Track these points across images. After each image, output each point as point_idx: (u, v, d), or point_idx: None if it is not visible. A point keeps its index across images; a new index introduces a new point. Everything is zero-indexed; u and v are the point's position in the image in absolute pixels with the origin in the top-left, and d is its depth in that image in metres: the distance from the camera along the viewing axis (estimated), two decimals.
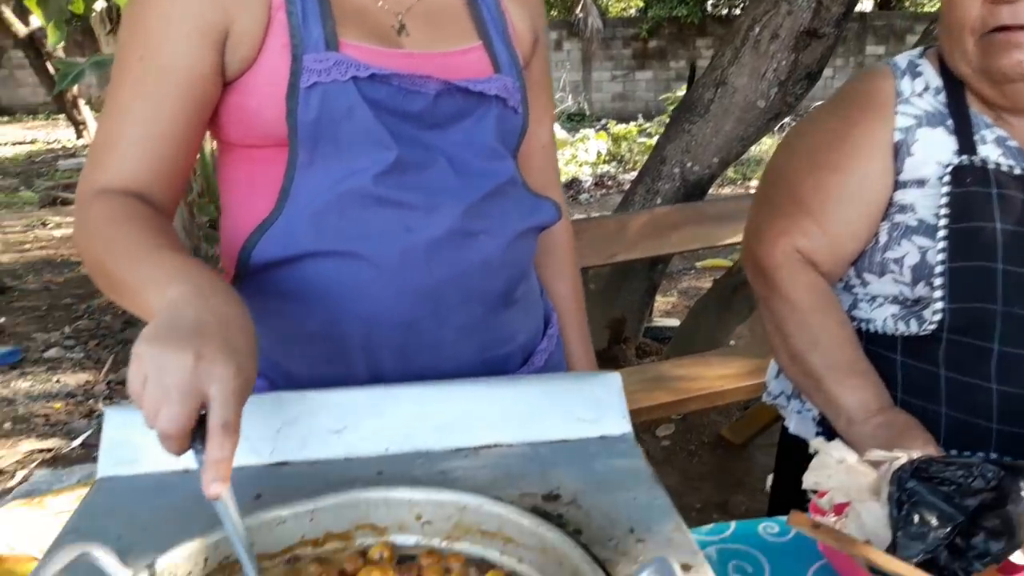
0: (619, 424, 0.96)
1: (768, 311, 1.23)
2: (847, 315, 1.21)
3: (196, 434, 0.71)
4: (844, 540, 0.83)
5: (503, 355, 1.10)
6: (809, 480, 0.94)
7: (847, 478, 0.92)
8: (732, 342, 3.61)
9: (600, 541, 0.79)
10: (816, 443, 0.97)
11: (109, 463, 0.88)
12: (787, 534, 1.04)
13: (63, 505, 2.44)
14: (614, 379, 0.98)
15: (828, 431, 1.27)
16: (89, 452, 3.21)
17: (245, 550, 0.71)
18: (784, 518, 1.05)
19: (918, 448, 1.02)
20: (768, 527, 1.05)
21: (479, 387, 0.97)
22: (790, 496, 1.45)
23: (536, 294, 1.19)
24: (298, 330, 1.03)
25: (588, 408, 0.96)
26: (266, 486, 0.86)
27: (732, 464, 3.08)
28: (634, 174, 6.24)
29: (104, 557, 0.70)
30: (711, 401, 2.40)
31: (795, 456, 1.39)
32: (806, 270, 1.19)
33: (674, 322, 4.09)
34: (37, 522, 2.37)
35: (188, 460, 0.88)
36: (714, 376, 2.46)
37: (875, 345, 1.20)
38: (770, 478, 2.97)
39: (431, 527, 0.84)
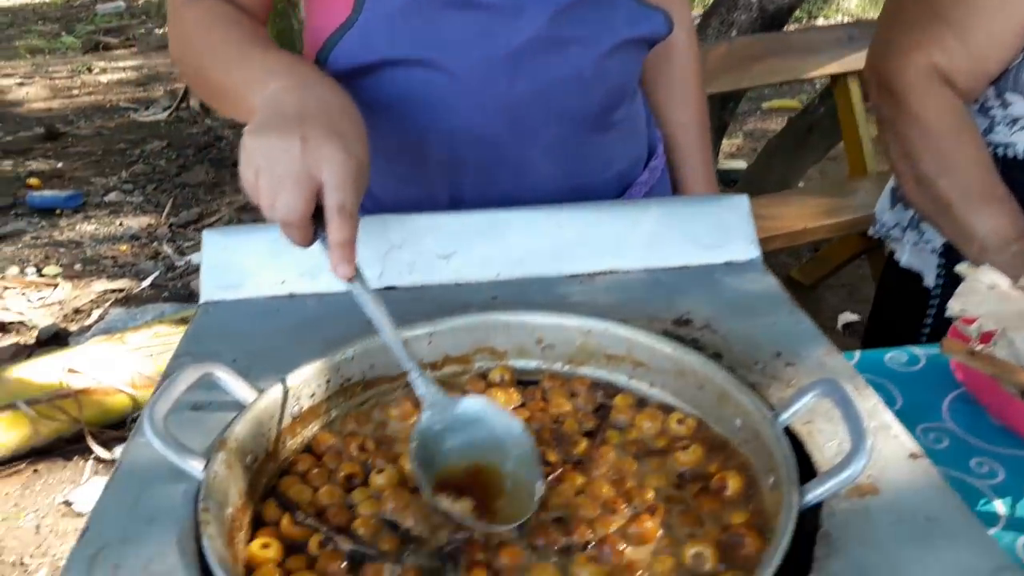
0: (747, 249, 0.89)
1: (894, 134, 1.13)
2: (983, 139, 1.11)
3: (320, 224, 0.69)
4: (1004, 368, 0.77)
5: (595, 184, 1.02)
6: (955, 307, 0.87)
7: (999, 304, 0.85)
8: (801, 184, 3.48)
9: (745, 365, 0.73)
10: (963, 268, 0.89)
11: (212, 287, 0.84)
12: (916, 363, 0.98)
13: (141, 341, 2.49)
14: (741, 202, 0.90)
15: (950, 262, 1.19)
16: (158, 292, 3.26)
17: (388, 331, 0.69)
18: (910, 347, 1.00)
19: None
20: (895, 356, 0.99)
21: (595, 211, 0.90)
22: (890, 330, 1.39)
23: (640, 120, 1.09)
24: (378, 146, 0.96)
25: (713, 233, 0.89)
26: None
27: (802, 305, 3.02)
28: (697, 12, 5.91)
29: (227, 377, 0.67)
30: (792, 240, 2.31)
31: (903, 290, 1.32)
32: (941, 88, 1.08)
33: (740, 164, 3.95)
34: (119, 357, 2.43)
35: (293, 285, 0.85)
36: (794, 215, 2.36)
37: (1013, 171, 1.10)
38: (842, 317, 2.93)
39: (552, 351, 0.80)
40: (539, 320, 0.79)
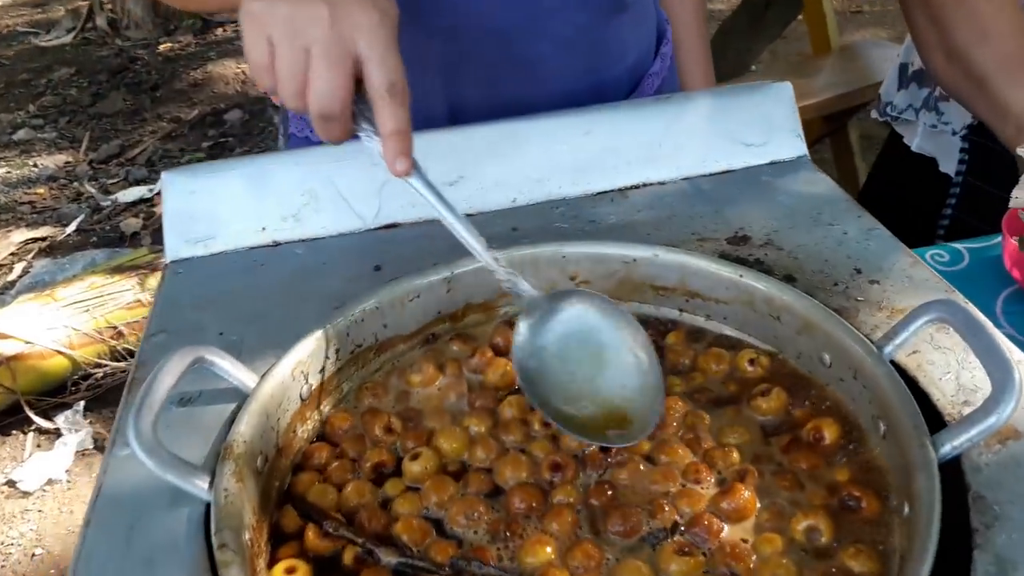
0: (792, 145, 0.78)
1: (922, 1, 1.01)
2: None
3: (358, 111, 0.56)
4: None
5: (610, 79, 0.90)
6: (1021, 197, 0.79)
7: None
8: (754, 68, 3.36)
9: (823, 287, 0.63)
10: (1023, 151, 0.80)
11: (178, 242, 0.70)
12: (959, 261, 0.90)
13: (74, 295, 2.30)
14: (784, 90, 0.79)
15: (975, 145, 1.10)
16: (86, 238, 3.03)
17: (461, 225, 0.58)
18: (950, 244, 0.91)
19: None
20: (937, 255, 0.91)
21: (620, 113, 0.78)
22: (888, 221, 1.30)
23: (648, 1, 0.95)
24: None
25: (754, 128, 0.78)
26: (383, 256, 0.69)
27: None
28: None
29: (221, 361, 0.54)
30: None
31: (911, 178, 1.23)
32: None
33: None
34: (51, 315, 2.24)
35: (276, 231, 0.71)
36: None
37: None
38: None
39: (590, 288, 0.69)
40: (572, 251, 0.68)
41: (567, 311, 0.59)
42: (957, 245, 0.91)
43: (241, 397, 0.55)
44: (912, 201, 1.24)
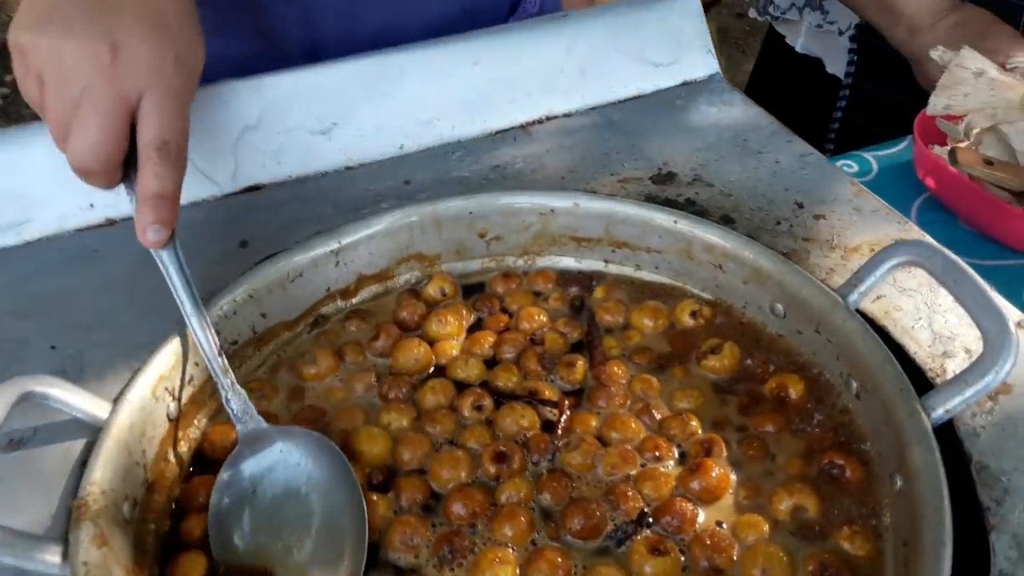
0: (704, 62, 0.70)
1: None
2: None
3: (130, 160, 0.47)
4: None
5: (486, 1, 0.79)
6: (939, 104, 0.74)
7: (991, 95, 0.72)
8: None
9: (765, 227, 0.56)
10: (939, 54, 0.75)
11: None
12: (868, 172, 0.86)
13: None
14: (690, 1, 0.70)
15: (864, 46, 1.06)
16: None
17: (199, 326, 0.47)
18: (857, 153, 0.87)
19: (1005, 45, 0.82)
20: (846, 165, 0.86)
21: (509, 39, 0.67)
22: None
23: None
24: None
25: (660, 47, 0.69)
26: (248, 228, 0.57)
27: None
28: None
29: (58, 391, 0.42)
30: None
31: (797, 80, 1.19)
32: None
33: None
34: None
35: (108, 206, 0.58)
36: None
37: None
38: None
39: (501, 244, 0.60)
40: (479, 205, 0.58)
41: (284, 457, 0.47)
42: (865, 154, 0.87)
43: (91, 431, 0.43)
44: (798, 104, 1.20)
